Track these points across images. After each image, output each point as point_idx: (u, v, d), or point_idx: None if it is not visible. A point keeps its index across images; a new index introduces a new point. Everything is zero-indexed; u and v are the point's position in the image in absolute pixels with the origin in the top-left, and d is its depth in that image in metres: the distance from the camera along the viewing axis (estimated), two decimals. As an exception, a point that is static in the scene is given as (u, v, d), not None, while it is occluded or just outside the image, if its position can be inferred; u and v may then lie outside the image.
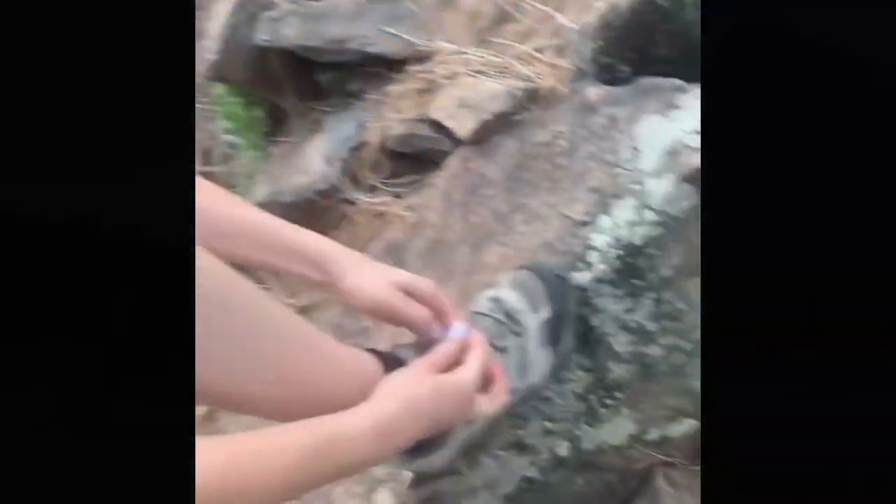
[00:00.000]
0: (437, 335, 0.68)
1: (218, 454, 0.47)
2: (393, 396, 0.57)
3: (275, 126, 1.45)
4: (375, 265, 0.69)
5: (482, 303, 0.75)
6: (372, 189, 1.19)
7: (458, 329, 0.66)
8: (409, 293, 0.68)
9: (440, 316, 0.68)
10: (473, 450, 0.84)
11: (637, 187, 0.80)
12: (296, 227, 0.68)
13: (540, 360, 0.73)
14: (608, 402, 0.86)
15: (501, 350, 0.71)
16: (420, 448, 0.65)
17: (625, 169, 0.81)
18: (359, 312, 0.76)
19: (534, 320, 0.73)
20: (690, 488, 0.89)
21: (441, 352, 0.63)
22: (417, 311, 0.67)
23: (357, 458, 0.55)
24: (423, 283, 0.69)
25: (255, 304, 0.57)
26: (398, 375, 0.60)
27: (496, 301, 0.74)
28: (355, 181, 1.21)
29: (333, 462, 0.53)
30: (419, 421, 0.59)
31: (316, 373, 0.61)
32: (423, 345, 0.68)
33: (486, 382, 0.67)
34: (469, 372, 0.63)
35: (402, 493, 0.85)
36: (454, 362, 0.65)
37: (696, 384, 0.87)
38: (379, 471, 0.88)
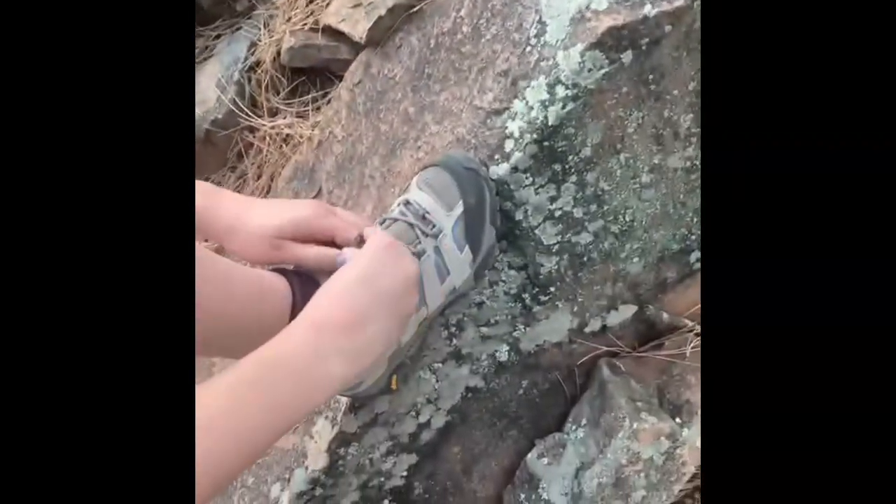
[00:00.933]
0: (335, 263, 0.62)
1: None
2: None
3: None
4: (252, 218, 0.65)
5: (393, 209, 0.69)
6: (274, 112, 1.10)
7: (342, 259, 0.61)
8: (298, 230, 0.65)
9: (340, 232, 0.66)
10: (408, 365, 0.80)
11: (546, 63, 0.73)
12: None
13: (460, 260, 0.68)
14: (542, 298, 0.83)
15: (419, 255, 0.65)
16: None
17: (532, 45, 0.75)
18: None
19: (448, 219, 0.67)
20: (635, 374, 0.88)
21: None
22: (303, 254, 0.65)
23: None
24: (305, 212, 0.66)
25: None
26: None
27: (407, 205, 0.68)
28: (254, 106, 1.11)
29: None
30: None
31: (214, 292, 0.56)
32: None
33: None
34: None
35: (340, 420, 0.80)
36: None
37: (631, 267, 0.84)
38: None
